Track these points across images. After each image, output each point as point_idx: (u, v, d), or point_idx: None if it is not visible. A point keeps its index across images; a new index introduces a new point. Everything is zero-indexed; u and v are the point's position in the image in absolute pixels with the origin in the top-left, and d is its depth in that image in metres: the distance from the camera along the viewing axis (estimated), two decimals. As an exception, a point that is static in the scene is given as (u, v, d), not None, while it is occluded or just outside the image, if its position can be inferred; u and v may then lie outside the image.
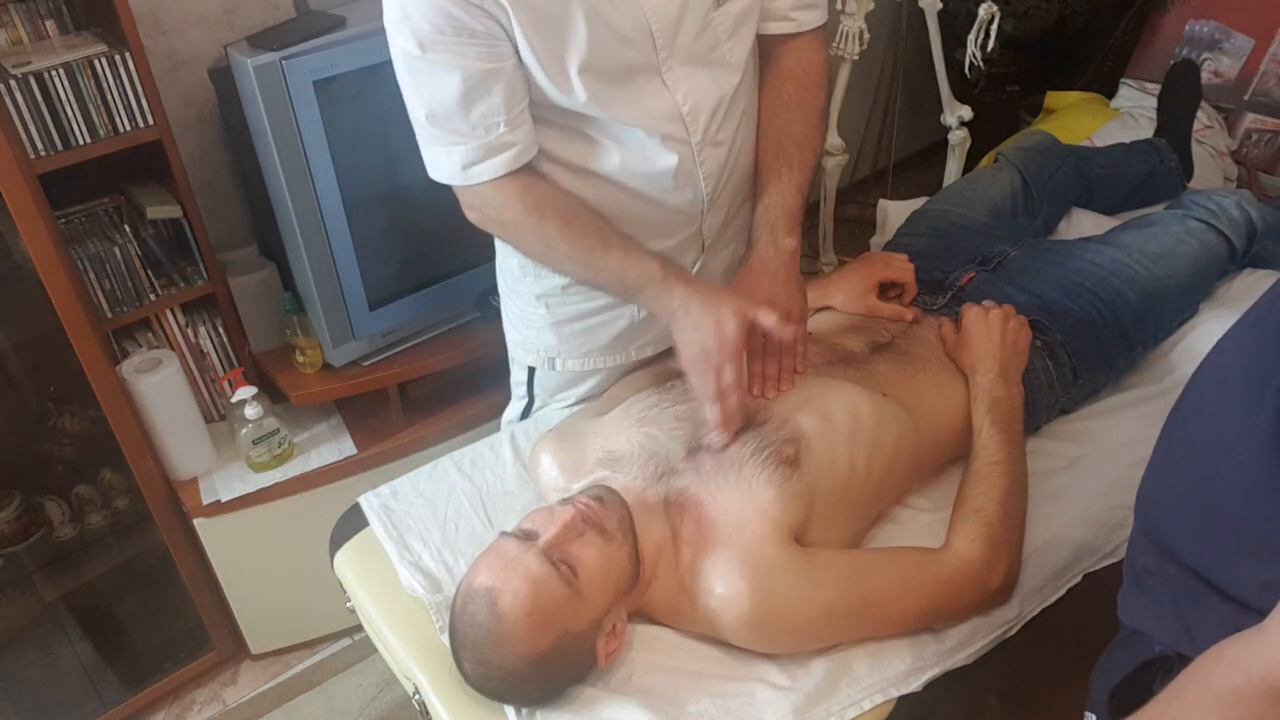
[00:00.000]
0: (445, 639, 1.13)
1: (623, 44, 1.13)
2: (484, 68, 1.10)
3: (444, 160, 1.17)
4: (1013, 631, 1.17)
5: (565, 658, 1.06)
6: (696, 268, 1.38)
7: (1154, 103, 2.18)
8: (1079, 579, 1.22)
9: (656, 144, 1.21)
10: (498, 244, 1.43)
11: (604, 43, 1.11)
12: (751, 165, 1.36)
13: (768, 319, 1.17)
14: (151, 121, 1.59)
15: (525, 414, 1.56)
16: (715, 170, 1.28)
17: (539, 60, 1.11)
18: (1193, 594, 0.82)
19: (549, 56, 1.11)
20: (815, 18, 1.30)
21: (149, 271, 1.71)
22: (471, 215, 1.23)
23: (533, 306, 1.41)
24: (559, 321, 1.40)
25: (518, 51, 1.11)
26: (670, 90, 1.19)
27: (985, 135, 2.49)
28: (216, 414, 1.93)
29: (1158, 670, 0.87)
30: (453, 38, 1.07)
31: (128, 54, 1.53)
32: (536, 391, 1.52)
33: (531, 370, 1.50)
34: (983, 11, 2.16)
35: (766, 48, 1.31)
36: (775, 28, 1.29)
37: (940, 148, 2.55)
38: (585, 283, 1.28)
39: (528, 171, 1.19)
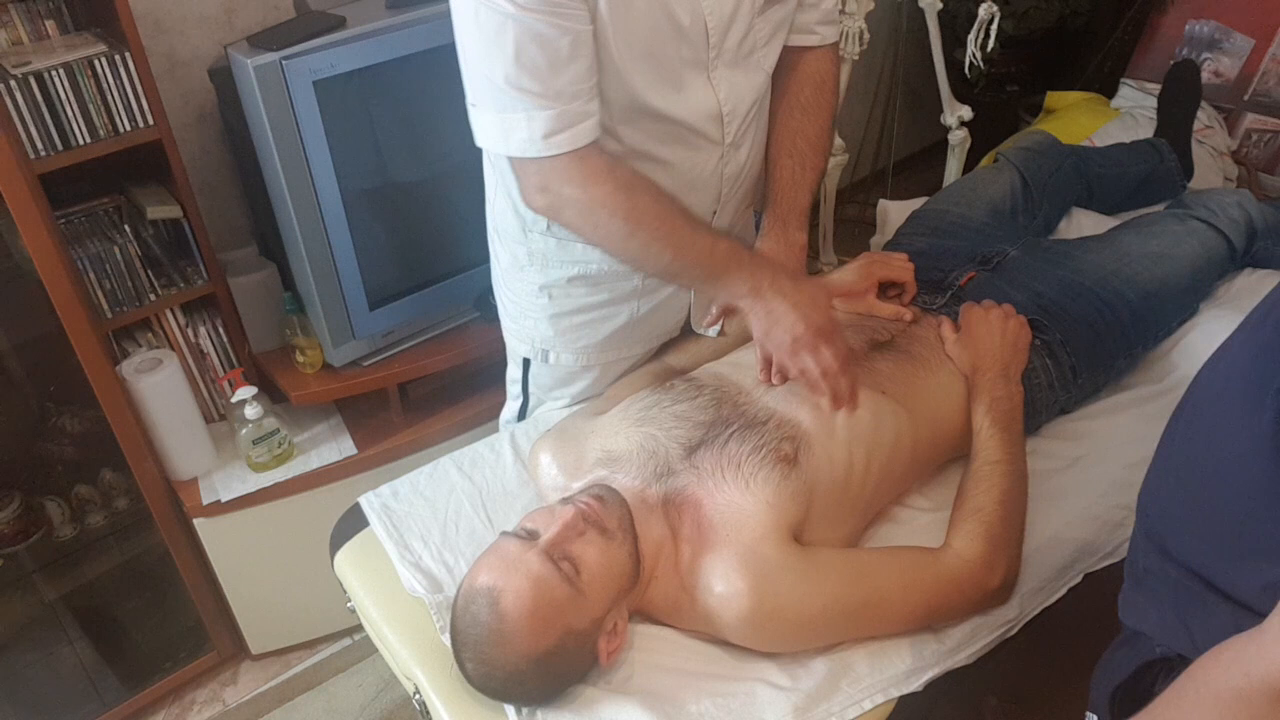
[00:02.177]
0: (446, 639, 1.13)
1: (680, 36, 1.14)
2: (578, 29, 1.06)
3: (522, 127, 1.10)
4: (1013, 631, 1.17)
5: (567, 657, 1.06)
6: None
7: (1154, 103, 2.19)
8: (1079, 579, 1.22)
9: (690, 142, 1.23)
10: (494, 233, 1.42)
11: (664, 32, 1.12)
12: (759, 172, 1.38)
13: (840, 287, 1.25)
14: (151, 121, 1.59)
15: (522, 414, 1.56)
16: (734, 173, 1.31)
17: (612, 37, 1.10)
18: (1193, 595, 0.82)
19: (618, 36, 1.11)
20: (834, 33, 1.35)
21: (149, 271, 1.71)
22: (540, 199, 1.16)
23: (534, 297, 1.41)
24: (558, 314, 1.41)
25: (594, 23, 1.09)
26: (715, 89, 1.21)
27: (985, 135, 2.49)
28: (216, 414, 1.93)
29: (1159, 671, 0.87)
30: None
31: (128, 54, 1.53)
32: (532, 389, 1.52)
33: (526, 364, 1.50)
34: (983, 11, 2.16)
35: (786, 57, 1.33)
36: (800, 40, 1.32)
37: (940, 148, 2.55)
38: (665, 268, 1.21)
39: (605, 148, 1.16)
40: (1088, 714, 0.98)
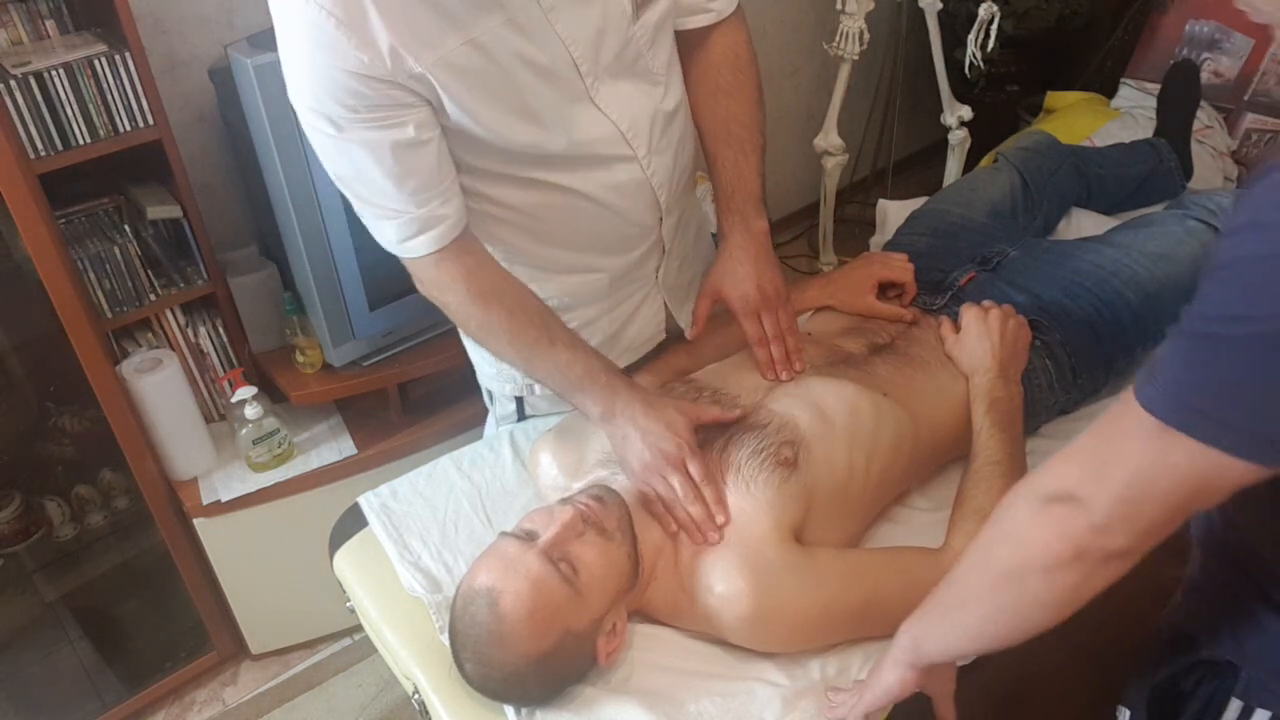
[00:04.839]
0: (445, 639, 1.13)
1: (547, 79, 1.10)
2: (405, 141, 1.05)
3: (380, 233, 1.14)
4: (1012, 631, 1.17)
5: (566, 657, 1.06)
6: (660, 273, 1.38)
7: (1154, 103, 2.18)
8: (1078, 579, 1.21)
9: (604, 166, 1.20)
10: None
11: (530, 83, 1.09)
12: (692, 161, 1.35)
13: (710, 413, 1.19)
14: (151, 121, 1.59)
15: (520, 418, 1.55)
16: (666, 177, 1.27)
17: (474, 117, 1.08)
18: (1245, 604, 0.84)
19: (483, 111, 1.08)
20: (729, 4, 1.29)
21: (149, 271, 1.71)
22: (419, 287, 1.19)
23: None
24: None
25: (448, 115, 1.07)
26: (604, 113, 1.17)
27: (985, 135, 2.49)
28: (216, 414, 1.94)
29: (1204, 674, 0.88)
30: (367, 115, 1.03)
31: (128, 54, 1.53)
32: (529, 412, 1.51)
33: (520, 399, 1.48)
34: (983, 11, 2.17)
35: (691, 40, 1.29)
36: (696, 21, 1.27)
37: (940, 148, 2.56)
38: (522, 372, 1.24)
39: (470, 251, 1.16)
40: (1120, 709, 0.98)
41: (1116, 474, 0.73)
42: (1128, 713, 0.97)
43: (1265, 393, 0.64)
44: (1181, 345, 0.69)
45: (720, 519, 1.14)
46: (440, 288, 1.16)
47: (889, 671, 0.97)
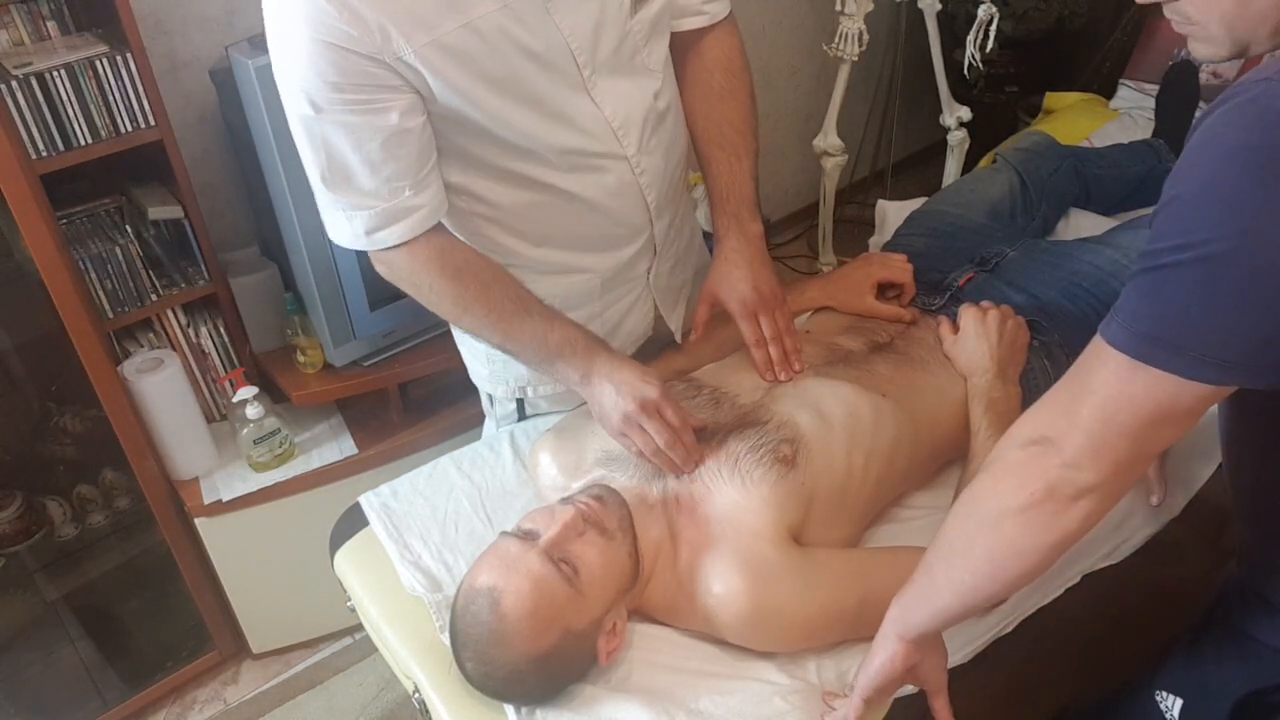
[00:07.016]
0: (445, 638, 1.14)
1: (543, 68, 1.10)
2: (386, 128, 1.04)
3: (344, 226, 1.12)
4: (1008, 630, 1.17)
5: (567, 656, 1.06)
6: (651, 274, 1.38)
7: (1152, 103, 2.19)
8: (1077, 579, 1.22)
9: (593, 165, 1.20)
10: None
11: (526, 70, 1.09)
12: (682, 164, 1.35)
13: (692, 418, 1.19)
14: (153, 122, 1.59)
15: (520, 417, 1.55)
16: (655, 178, 1.27)
17: (470, 100, 1.08)
18: None
19: (480, 93, 1.08)
20: (723, 7, 1.30)
21: (150, 272, 1.72)
22: (380, 269, 1.17)
23: None
24: None
25: (438, 102, 1.07)
26: (599, 106, 1.17)
27: (984, 136, 2.50)
28: (218, 414, 1.94)
29: None
30: (351, 95, 1.02)
31: (129, 55, 1.53)
32: (528, 412, 1.51)
33: (520, 400, 1.48)
34: (982, 12, 2.17)
35: (684, 43, 1.30)
36: (690, 23, 1.28)
37: (939, 148, 2.56)
38: (501, 348, 1.23)
39: (440, 232, 1.16)
40: (1161, 693, 1.00)
41: (1083, 411, 0.76)
42: (1176, 701, 0.98)
43: (1211, 313, 0.68)
44: (1138, 281, 0.73)
45: (698, 456, 1.17)
46: (412, 270, 1.15)
47: (879, 649, 0.98)
